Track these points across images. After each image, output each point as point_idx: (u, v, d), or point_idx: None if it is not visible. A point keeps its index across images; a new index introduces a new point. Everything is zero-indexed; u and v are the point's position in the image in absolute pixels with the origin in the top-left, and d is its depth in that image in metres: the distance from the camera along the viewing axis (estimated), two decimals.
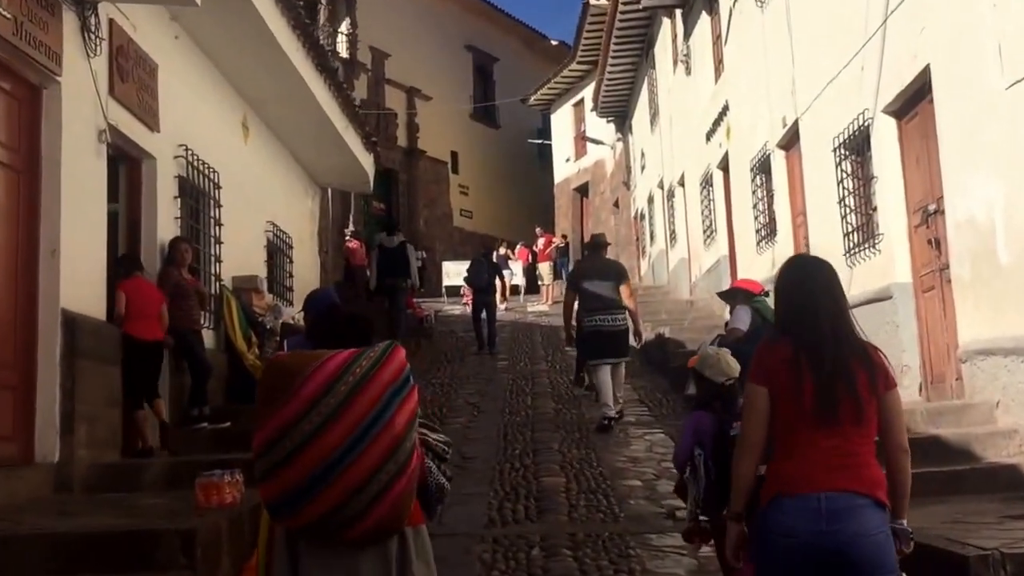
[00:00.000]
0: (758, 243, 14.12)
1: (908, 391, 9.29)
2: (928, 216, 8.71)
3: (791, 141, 12.63)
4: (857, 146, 10.13)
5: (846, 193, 10.40)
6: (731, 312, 7.97)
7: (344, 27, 28.93)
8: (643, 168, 26.09)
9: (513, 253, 27.35)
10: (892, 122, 9.37)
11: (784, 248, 13.03)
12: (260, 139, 12.18)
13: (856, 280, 10.16)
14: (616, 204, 30.86)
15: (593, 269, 10.54)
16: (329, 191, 24.99)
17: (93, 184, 7.57)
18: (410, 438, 3.38)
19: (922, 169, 8.90)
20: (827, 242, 11.03)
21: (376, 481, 3.26)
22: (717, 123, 16.49)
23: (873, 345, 3.46)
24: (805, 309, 3.40)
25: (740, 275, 15.50)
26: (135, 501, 6.68)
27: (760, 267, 14.00)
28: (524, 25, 38.13)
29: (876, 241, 9.66)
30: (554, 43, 37.35)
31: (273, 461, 3.27)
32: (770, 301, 4.64)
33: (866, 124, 9.72)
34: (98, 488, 7.25)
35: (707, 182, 17.87)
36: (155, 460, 7.91)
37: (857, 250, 10.16)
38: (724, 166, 16.48)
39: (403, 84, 31.41)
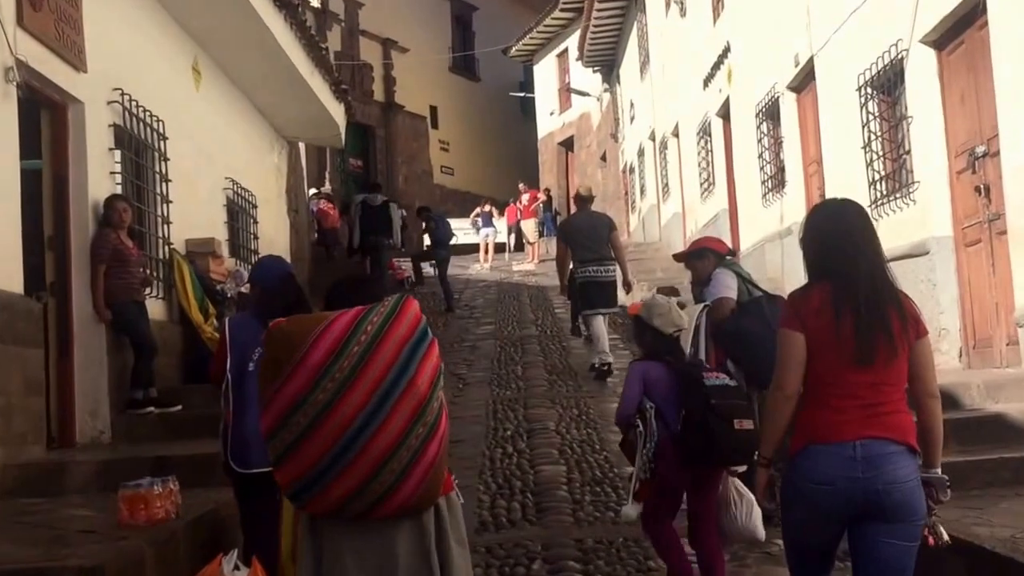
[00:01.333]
0: (764, 195, 13.00)
1: (946, 357, 8.23)
2: (976, 160, 7.60)
3: (804, 82, 11.48)
4: (887, 83, 9.00)
5: (872, 137, 9.28)
6: (696, 277, 6.58)
7: None
8: (632, 119, 24.89)
9: (498, 212, 26.00)
10: (931, 54, 8.23)
11: (795, 200, 11.93)
12: (215, 85, 10.91)
13: (884, 234, 8.94)
14: (603, 158, 29.68)
15: (583, 222, 10.50)
16: (303, 147, 23.94)
17: (0, 131, 6.38)
18: (436, 397, 3.11)
19: (968, 106, 7.78)
20: (848, 192, 9.88)
21: (406, 447, 3.02)
22: (716, 67, 15.30)
23: (904, 292, 3.39)
24: (844, 253, 3.31)
25: (743, 230, 14.45)
26: (53, 512, 5.56)
27: (766, 221, 12.94)
28: None
29: (910, 190, 8.56)
30: None
31: (287, 442, 3.01)
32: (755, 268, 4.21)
33: (899, 57, 8.58)
34: (17, 492, 6.12)
35: (705, 131, 16.70)
36: (86, 458, 6.77)
37: (885, 201, 9.07)
38: (724, 113, 15.31)
39: (378, 35, 30.09)
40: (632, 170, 25.73)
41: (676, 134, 19.65)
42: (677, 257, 7.16)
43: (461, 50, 34.20)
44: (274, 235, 13.39)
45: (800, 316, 3.31)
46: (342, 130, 14.08)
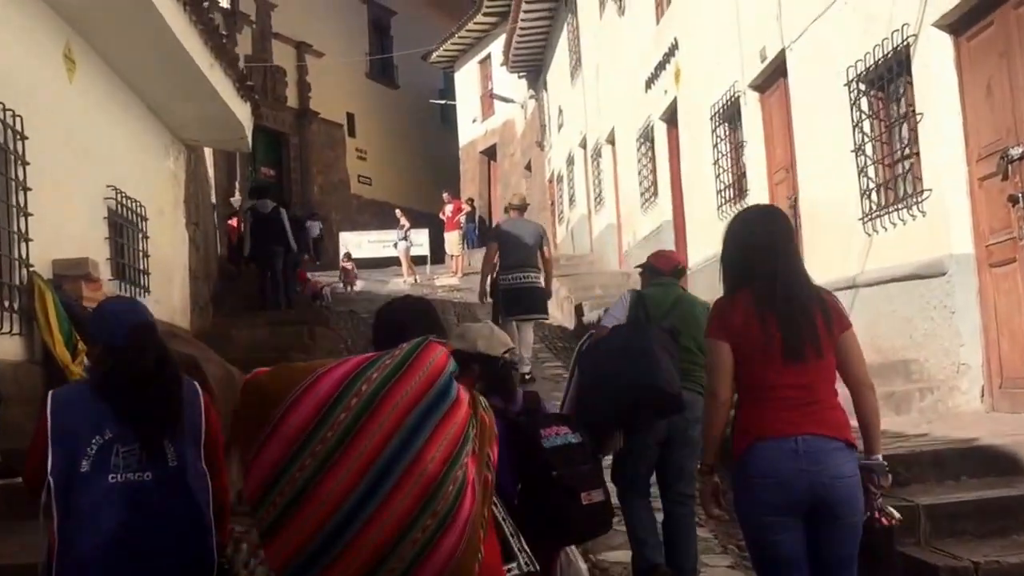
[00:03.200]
0: (720, 206, 11.71)
1: (966, 396, 7.00)
2: (1009, 163, 6.36)
3: (771, 79, 10.23)
4: (885, 77, 7.75)
5: (865, 140, 8.04)
6: None
7: None
8: (560, 127, 23.59)
9: (406, 222, 24.22)
10: (946, 40, 6.99)
11: None
12: (94, 77, 9.22)
13: (882, 251, 7.83)
14: (528, 167, 28.36)
15: (512, 228, 10.48)
16: (209, 153, 22.14)
17: None
18: (452, 476, 2.46)
19: (997, 100, 6.54)
20: (833, 203, 8.69)
21: (410, 540, 2.42)
22: (661, 67, 14.03)
23: (826, 289, 3.53)
24: (762, 258, 3.36)
25: (694, 244, 13.21)
26: None
27: (720, 236, 11.60)
28: None
29: (918, 199, 7.29)
30: None
31: (266, 520, 2.49)
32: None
33: (904, 44, 7.33)
34: None
35: (646, 137, 15.41)
36: None
37: (883, 212, 7.82)
38: (670, 117, 14.04)
39: (292, 38, 28.47)
40: (560, 179, 24.43)
41: (611, 141, 18.38)
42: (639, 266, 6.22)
43: (379, 57, 32.65)
44: (170, 251, 11.71)
45: (726, 325, 3.36)
46: (248, 133, 12.37)
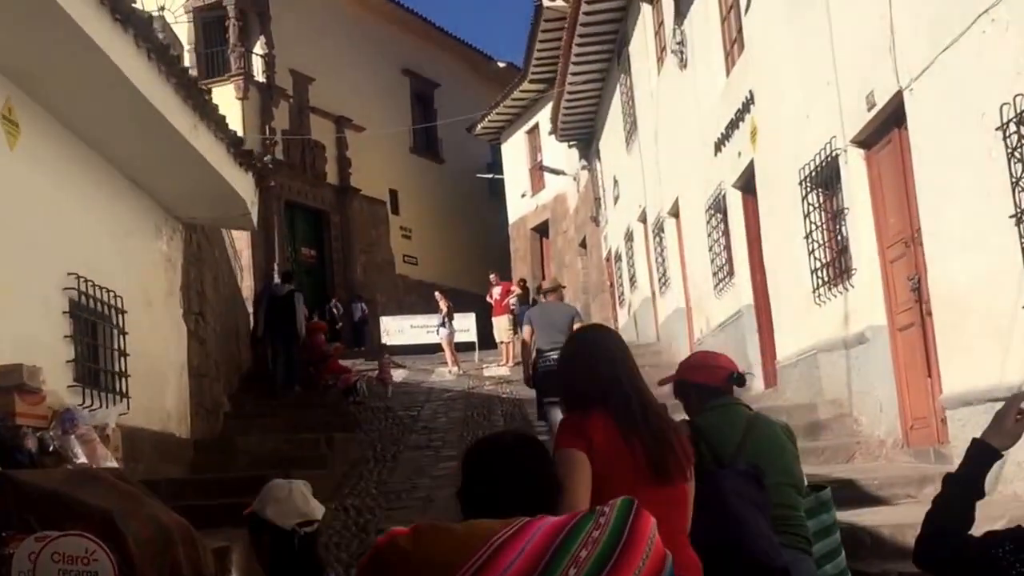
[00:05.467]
0: (815, 289, 9.68)
1: None
2: None
3: (881, 130, 8.29)
4: None
5: None
6: None
7: (259, 47, 25.16)
8: (617, 199, 21.72)
9: (446, 306, 22.21)
10: None
11: (867, 294, 8.70)
12: (46, 143, 7.49)
13: None
14: (583, 244, 26.52)
15: (542, 311, 10.56)
16: (246, 235, 20.56)
17: None
18: None
19: None
20: (981, 284, 6.68)
21: None
22: (734, 126, 12.14)
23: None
24: (617, 380, 3.24)
25: (782, 334, 11.17)
26: None
27: (819, 322, 9.69)
28: (467, 46, 33.93)
29: None
30: (501, 65, 33.11)
31: None
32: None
33: None
34: None
35: (717, 207, 13.45)
36: None
37: None
38: (746, 183, 12.09)
39: (331, 113, 27.15)
40: (618, 257, 22.46)
41: (675, 213, 16.43)
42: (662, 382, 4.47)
43: (422, 130, 31.23)
44: (161, 348, 9.94)
45: (586, 439, 3.11)
46: (251, 207, 10.53)
